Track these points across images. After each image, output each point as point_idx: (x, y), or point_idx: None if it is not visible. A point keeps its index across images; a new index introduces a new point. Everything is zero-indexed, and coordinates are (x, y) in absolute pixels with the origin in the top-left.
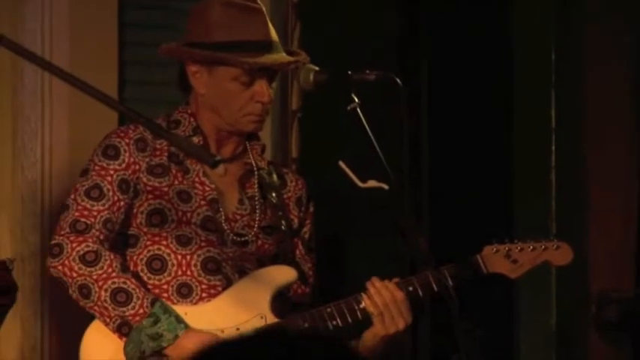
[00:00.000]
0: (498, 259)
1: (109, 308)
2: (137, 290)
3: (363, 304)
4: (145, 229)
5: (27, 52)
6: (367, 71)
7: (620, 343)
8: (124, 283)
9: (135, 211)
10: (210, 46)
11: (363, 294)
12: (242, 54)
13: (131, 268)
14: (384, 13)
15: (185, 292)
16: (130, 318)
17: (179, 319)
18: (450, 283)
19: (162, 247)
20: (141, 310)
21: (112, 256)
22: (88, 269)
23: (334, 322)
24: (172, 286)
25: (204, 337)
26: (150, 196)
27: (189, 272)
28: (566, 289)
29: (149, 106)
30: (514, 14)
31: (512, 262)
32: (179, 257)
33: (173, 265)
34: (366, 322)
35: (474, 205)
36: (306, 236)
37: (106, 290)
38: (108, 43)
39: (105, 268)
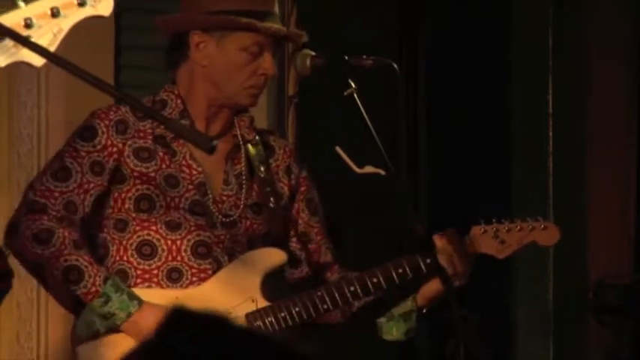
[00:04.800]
0: (486, 239)
1: (63, 287)
2: (90, 267)
3: (352, 287)
4: (134, 215)
5: (21, 37)
6: (364, 56)
7: (618, 329)
8: (77, 260)
9: (123, 196)
10: (221, 13)
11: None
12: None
13: (121, 252)
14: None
15: (175, 277)
16: (83, 297)
17: (132, 296)
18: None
19: (152, 233)
20: (93, 289)
21: (66, 233)
22: (41, 247)
23: (325, 306)
24: (162, 270)
25: (159, 313)
26: (137, 181)
27: (179, 257)
28: (564, 274)
29: (145, 91)
30: None
31: (499, 242)
32: (169, 242)
33: (163, 250)
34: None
35: (471, 191)
36: (306, 200)
37: (57, 269)
38: (104, 28)
39: (57, 245)
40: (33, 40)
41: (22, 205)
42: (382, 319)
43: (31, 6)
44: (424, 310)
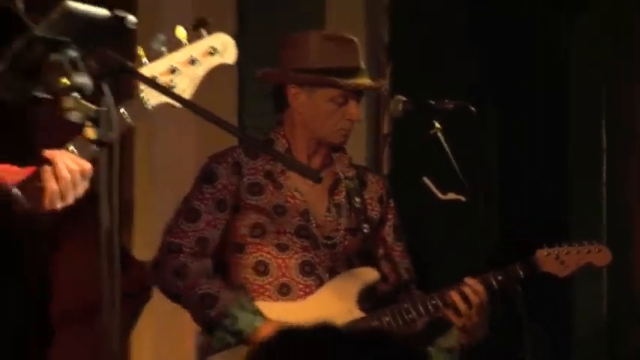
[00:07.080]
0: (549, 260)
1: (199, 312)
2: (220, 292)
3: (434, 301)
4: (249, 239)
5: (151, 82)
6: (446, 101)
7: None
8: (209, 288)
9: (238, 224)
10: (312, 71)
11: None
12: (339, 78)
13: (238, 270)
14: (465, 59)
15: (285, 291)
16: (216, 318)
17: (256, 313)
18: (500, 280)
19: (265, 254)
20: (224, 310)
21: (199, 266)
22: (181, 281)
23: (410, 316)
24: (274, 286)
25: (278, 326)
26: (251, 212)
27: (288, 274)
28: (615, 288)
29: (263, 132)
30: (573, 39)
31: (560, 263)
32: (279, 261)
33: (274, 268)
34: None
35: (536, 215)
36: (392, 226)
37: (194, 296)
38: (230, 78)
39: (193, 278)
40: (175, 83)
41: (163, 245)
42: (432, 349)
43: (176, 54)
44: (463, 347)
